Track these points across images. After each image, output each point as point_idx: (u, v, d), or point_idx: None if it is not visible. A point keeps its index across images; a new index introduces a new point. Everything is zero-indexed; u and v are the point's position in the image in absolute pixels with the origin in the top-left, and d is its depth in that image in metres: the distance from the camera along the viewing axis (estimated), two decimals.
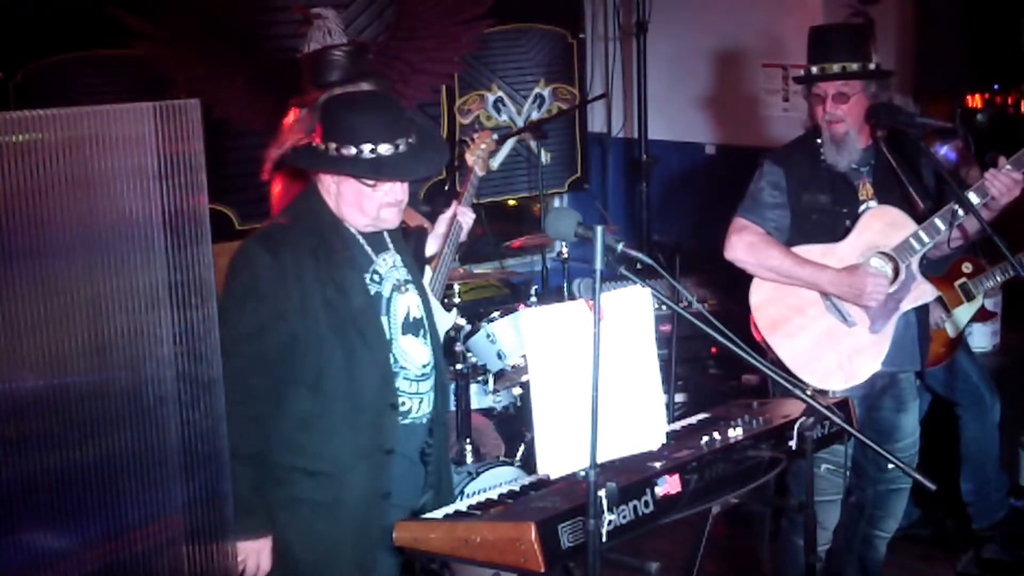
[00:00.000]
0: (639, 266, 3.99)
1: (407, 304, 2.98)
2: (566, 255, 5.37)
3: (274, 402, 2.85)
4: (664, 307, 4.42)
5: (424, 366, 2.98)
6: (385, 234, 3.03)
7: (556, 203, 6.73)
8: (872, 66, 3.69)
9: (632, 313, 2.51)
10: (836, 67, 3.66)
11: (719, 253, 3.77)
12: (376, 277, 2.95)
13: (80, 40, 4.97)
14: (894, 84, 3.99)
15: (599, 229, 2.39)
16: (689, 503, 2.65)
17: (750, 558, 4.75)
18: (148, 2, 5.07)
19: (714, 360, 5.54)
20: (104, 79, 5.03)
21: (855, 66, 3.66)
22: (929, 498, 4.05)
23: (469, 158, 4.12)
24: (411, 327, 2.98)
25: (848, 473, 3.70)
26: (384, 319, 2.92)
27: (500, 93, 6.39)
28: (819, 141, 3.74)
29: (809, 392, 2.74)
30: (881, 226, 3.69)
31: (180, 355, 3.65)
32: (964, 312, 4.60)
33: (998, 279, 4.51)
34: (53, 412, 3.38)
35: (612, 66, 6.67)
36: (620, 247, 2.51)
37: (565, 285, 5.41)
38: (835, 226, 3.71)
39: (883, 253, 3.68)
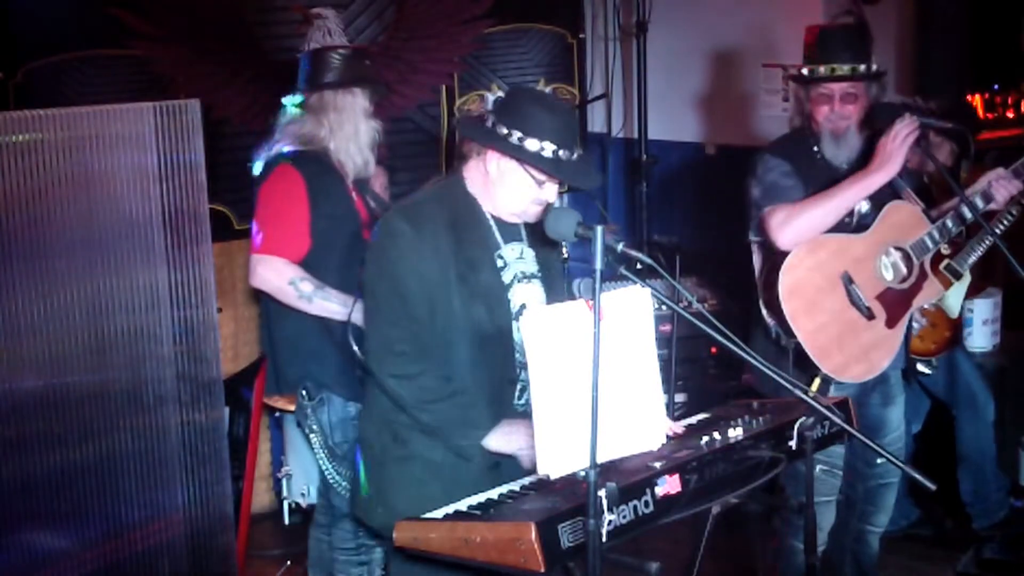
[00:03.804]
0: (639, 266, 3.99)
1: (526, 295, 3.04)
2: (566, 255, 5.36)
3: (414, 364, 2.94)
4: (664, 307, 4.42)
5: None
6: (522, 226, 3.08)
7: (556, 203, 6.72)
8: (874, 67, 3.71)
9: (632, 313, 2.51)
10: (846, 68, 3.66)
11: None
12: (500, 262, 3.01)
13: (80, 40, 4.96)
14: (889, 84, 3.99)
15: (599, 229, 2.39)
16: (689, 503, 2.65)
17: (750, 558, 4.75)
18: (148, 2, 5.06)
19: (714, 360, 5.53)
20: (104, 79, 5.02)
21: (862, 68, 3.67)
22: (929, 498, 4.06)
23: None
24: None
25: (836, 470, 3.72)
26: (509, 303, 2.99)
27: (500, 93, 6.35)
28: (812, 141, 3.74)
29: (812, 393, 2.74)
30: (899, 221, 3.72)
31: (180, 355, 3.66)
32: (957, 291, 4.61)
33: (979, 251, 4.52)
34: (53, 412, 3.39)
35: (612, 66, 6.67)
36: (620, 247, 2.51)
37: (565, 285, 5.41)
38: (836, 224, 3.71)
39: (899, 248, 3.71)
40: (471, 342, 2.94)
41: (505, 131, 2.88)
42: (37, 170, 3.31)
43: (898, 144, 3.57)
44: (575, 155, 2.92)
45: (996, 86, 6.23)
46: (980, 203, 3.72)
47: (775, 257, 3.68)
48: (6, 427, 3.33)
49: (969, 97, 6.11)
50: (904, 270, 3.74)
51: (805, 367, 3.59)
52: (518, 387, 3.02)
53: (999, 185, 3.71)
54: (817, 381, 3.56)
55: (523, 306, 3.02)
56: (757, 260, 3.82)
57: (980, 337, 5.12)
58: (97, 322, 3.49)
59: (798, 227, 3.59)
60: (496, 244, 3.02)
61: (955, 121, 4.09)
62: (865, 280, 3.67)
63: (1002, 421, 5.01)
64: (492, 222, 3.02)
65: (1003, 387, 5.06)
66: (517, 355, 2.99)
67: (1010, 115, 6.32)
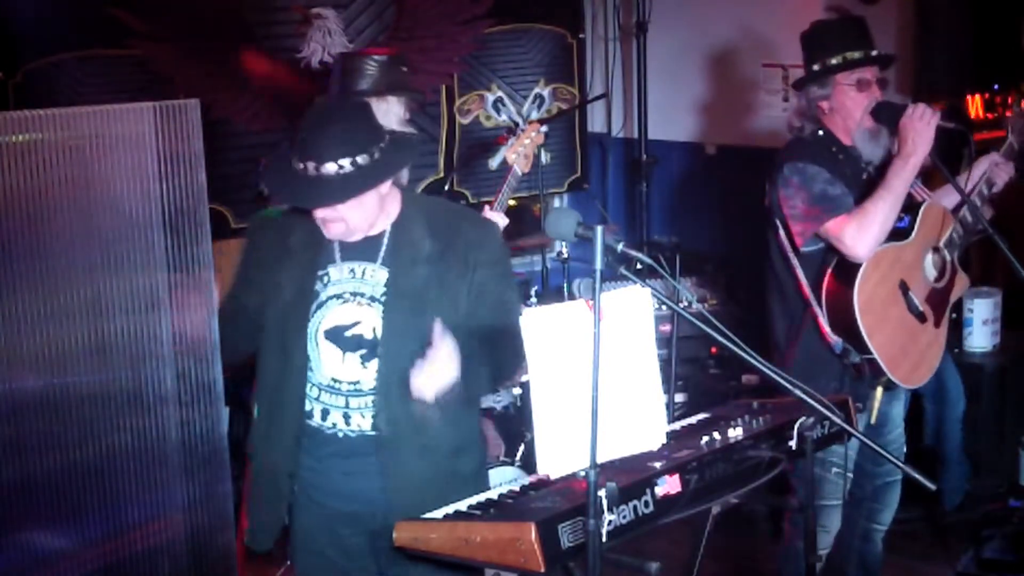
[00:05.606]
0: (639, 266, 3.99)
1: (347, 317, 2.90)
2: (566, 255, 5.36)
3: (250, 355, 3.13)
4: (664, 307, 4.42)
5: (338, 382, 2.92)
6: (381, 247, 2.93)
7: (556, 203, 6.73)
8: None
9: (632, 313, 2.51)
10: (874, 53, 3.65)
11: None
12: (325, 279, 2.94)
13: (79, 40, 4.96)
14: (890, 84, 3.98)
15: (599, 229, 2.39)
16: (689, 503, 2.65)
17: (750, 558, 4.76)
18: (147, 1, 5.06)
19: (714, 360, 5.54)
20: (103, 79, 5.03)
21: (883, 51, 3.68)
22: (929, 495, 4.07)
23: (510, 156, 3.98)
24: (342, 340, 2.90)
25: (848, 474, 3.71)
26: (308, 321, 2.94)
27: (500, 93, 6.38)
28: (829, 142, 3.71)
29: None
30: (934, 221, 3.74)
31: (180, 355, 3.66)
32: None
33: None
34: (53, 412, 3.38)
35: (612, 66, 6.67)
36: (620, 247, 2.51)
37: (565, 285, 5.41)
38: None
39: (935, 248, 3.73)
40: (269, 351, 3.02)
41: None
42: (37, 170, 3.30)
43: (925, 122, 3.54)
44: (319, 169, 2.74)
45: (996, 86, 6.22)
46: (985, 190, 3.78)
47: (839, 273, 3.62)
48: (6, 427, 3.32)
49: (969, 97, 6.11)
50: (940, 269, 3.76)
51: (872, 378, 3.61)
52: (320, 408, 2.96)
53: (998, 170, 3.79)
54: (880, 390, 3.59)
55: (343, 328, 2.89)
56: (802, 274, 3.69)
57: (980, 337, 5.12)
58: (97, 322, 3.48)
59: (874, 234, 3.54)
60: (328, 261, 2.93)
61: (955, 122, 4.09)
62: (916, 285, 3.68)
63: (1002, 421, 5.02)
64: (335, 241, 2.92)
65: (1003, 387, 5.06)
66: (309, 376, 2.94)
67: (1010, 115, 6.31)
